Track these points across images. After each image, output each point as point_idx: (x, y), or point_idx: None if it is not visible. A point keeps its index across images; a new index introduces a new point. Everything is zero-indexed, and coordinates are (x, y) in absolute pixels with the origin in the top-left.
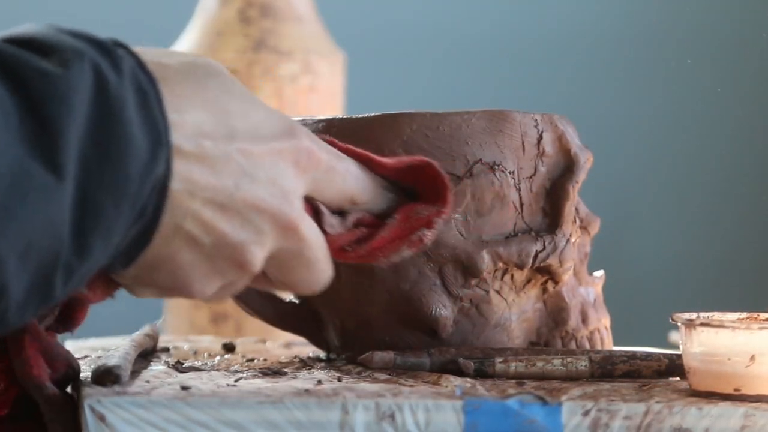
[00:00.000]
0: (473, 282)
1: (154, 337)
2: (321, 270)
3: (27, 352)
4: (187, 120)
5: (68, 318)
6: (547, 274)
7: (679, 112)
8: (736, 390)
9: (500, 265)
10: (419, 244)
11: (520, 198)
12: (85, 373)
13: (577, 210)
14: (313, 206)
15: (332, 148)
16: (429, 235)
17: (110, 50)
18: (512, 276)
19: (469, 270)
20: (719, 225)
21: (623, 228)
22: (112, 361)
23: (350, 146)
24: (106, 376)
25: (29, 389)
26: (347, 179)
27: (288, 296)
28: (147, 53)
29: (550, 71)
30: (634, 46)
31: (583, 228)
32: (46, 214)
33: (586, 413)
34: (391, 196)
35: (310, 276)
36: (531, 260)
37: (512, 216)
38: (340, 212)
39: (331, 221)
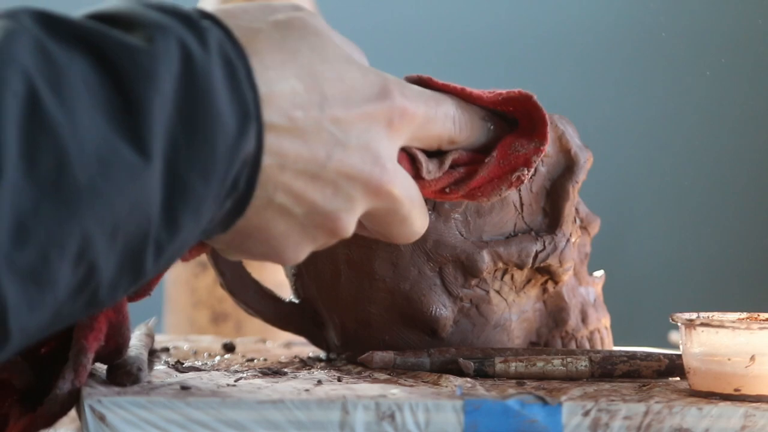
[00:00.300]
0: (473, 282)
1: (151, 336)
2: (417, 222)
3: (98, 317)
4: (277, 92)
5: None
6: (547, 274)
7: (678, 112)
8: (736, 390)
9: (500, 265)
10: (518, 183)
11: (520, 198)
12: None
13: (577, 210)
14: (409, 154)
15: (429, 94)
16: (528, 174)
17: (196, 23)
18: (512, 276)
19: (469, 270)
20: (719, 225)
21: (623, 228)
22: (128, 362)
23: (447, 83)
24: (125, 376)
25: (72, 346)
26: (446, 123)
27: (288, 296)
28: (238, 16)
29: (550, 71)
30: (634, 46)
31: (583, 228)
32: (134, 194)
33: (586, 413)
34: (489, 126)
35: (406, 229)
36: (531, 260)
37: (512, 216)
38: (438, 152)
39: (429, 167)
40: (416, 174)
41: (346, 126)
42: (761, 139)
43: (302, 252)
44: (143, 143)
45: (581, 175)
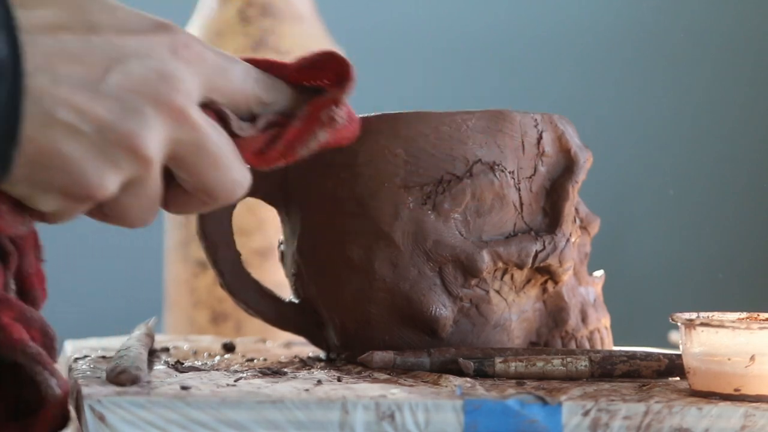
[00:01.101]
0: (473, 282)
1: (151, 336)
2: (235, 168)
3: (2, 320)
4: (37, 15)
5: (25, 290)
6: (547, 274)
7: (678, 112)
8: (736, 390)
9: (500, 265)
10: (331, 122)
11: (520, 198)
12: (90, 373)
13: (577, 210)
14: (216, 111)
15: (220, 51)
16: (339, 113)
17: None
18: (512, 276)
19: (469, 270)
20: (719, 225)
21: (623, 228)
22: (127, 362)
23: (250, 56)
24: (124, 377)
25: (13, 354)
26: (247, 80)
27: (288, 296)
28: None
29: (550, 71)
30: (634, 46)
31: (583, 228)
32: None
33: (586, 413)
34: (300, 97)
35: (223, 175)
36: (531, 260)
37: (512, 216)
38: (251, 118)
39: (240, 124)
40: (229, 132)
41: (124, 48)
42: (761, 139)
43: (108, 178)
44: None
45: (581, 175)
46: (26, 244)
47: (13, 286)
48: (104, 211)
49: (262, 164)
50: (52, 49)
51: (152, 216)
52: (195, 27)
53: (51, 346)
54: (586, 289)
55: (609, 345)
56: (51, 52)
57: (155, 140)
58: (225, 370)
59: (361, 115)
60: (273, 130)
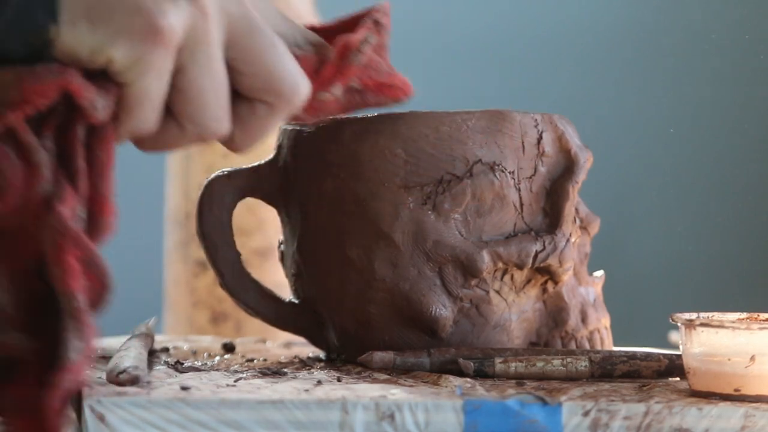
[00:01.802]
0: (473, 282)
1: (151, 336)
2: (290, 61)
3: (66, 259)
4: None
5: (95, 219)
6: (547, 274)
7: (678, 112)
8: (736, 390)
9: (500, 265)
10: (377, 26)
11: (520, 198)
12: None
13: (577, 210)
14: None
15: None
16: (383, 18)
17: None
18: (512, 276)
19: (469, 270)
20: (719, 225)
21: (623, 228)
22: (127, 362)
23: None
24: (124, 377)
25: (60, 296)
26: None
27: (288, 296)
28: None
29: (550, 71)
30: (633, 46)
31: (583, 228)
32: None
33: (586, 413)
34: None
35: (281, 64)
36: (531, 260)
37: (512, 216)
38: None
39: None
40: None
41: None
42: (761, 139)
43: (170, 13)
44: None
45: (581, 175)
46: (105, 163)
47: (81, 212)
48: (179, 91)
49: (319, 86)
50: None
51: (225, 112)
52: None
53: (103, 297)
54: (586, 289)
55: (609, 345)
56: None
57: None
58: (225, 371)
59: (361, 115)
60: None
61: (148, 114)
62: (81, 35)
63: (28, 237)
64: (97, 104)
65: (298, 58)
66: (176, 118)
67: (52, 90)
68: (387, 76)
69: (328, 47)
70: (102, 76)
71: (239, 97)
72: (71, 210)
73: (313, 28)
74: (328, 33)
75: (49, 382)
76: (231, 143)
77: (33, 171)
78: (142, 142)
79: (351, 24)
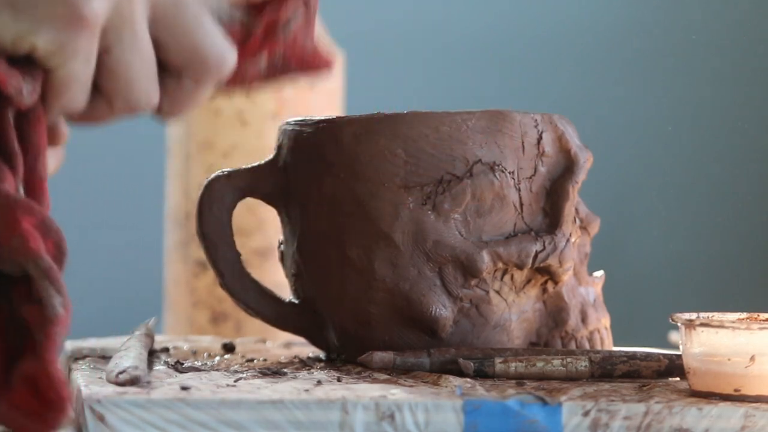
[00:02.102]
0: (473, 282)
1: (151, 337)
2: (216, 35)
3: (22, 226)
4: None
5: (35, 196)
6: (547, 274)
7: (678, 112)
8: (736, 390)
9: (500, 265)
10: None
11: (520, 198)
12: (90, 373)
13: (577, 210)
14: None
15: None
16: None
17: None
18: (512, 276)
19: (469, 270)
20: (719, 225)
21: (623, 228)
22: (127, 362)
23: None
24: (124, 377)
25: (24, 264)
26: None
27: (288, 296)
28: None
29: (550, 71)
30: (634, 46)
31: (583, 228)
32: None
33: (586, 413)
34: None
35: (208, 39)
36: (531, 260)
37: (512, 216)
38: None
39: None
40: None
41: None
42: (762, 139)
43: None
44: None
45: (581, 175)
46: (38, 144)
47: (21, 192)
48: (107, 70)
49: (243, 58)
50: None
51: (153, 87)
52: None
53: (61, 261)
54: (586, 289)
55: (609, 345)
56: None
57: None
58: (225, 371)
59: (361, 115)
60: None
61: (76, 95)
62: (3, 24)
63: None
64: (23, 90)
65: (225, 29)
66: (105, 95)
67: None
68: (312, 51)
69: (256, 20)
70: (26, 61)
71: (166, 69)
72: (13, 188)
73: (241, 0)
74: (257, 6)
75: (39, 343)
76: (159, 114)
77: None
78: (72, 118)
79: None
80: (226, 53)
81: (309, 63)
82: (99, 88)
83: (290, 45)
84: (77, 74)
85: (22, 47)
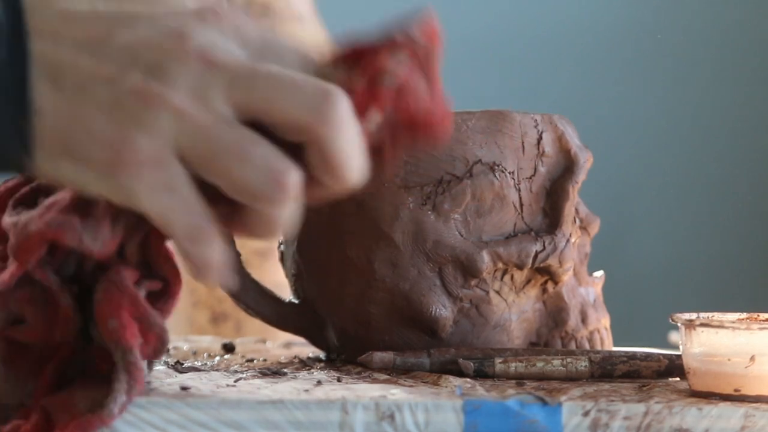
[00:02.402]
0: (473, 282)
1: None
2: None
3: (122, 316)
4: None
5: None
6: (547, 274)
7: (678, 113)
8: (736, 390)
9: (500, 265)
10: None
11: (520, 198)
12: None
13: (577, 210)
14: None
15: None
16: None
17: None
18: (512, 276)
19: (469, 270)
20: (719, 225)
21: (623, 228)
22: None
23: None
24: None
25: (114, 350)
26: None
27: (288, 296)
28: None
29: (550, 71)
30: (633, 45)
31: (583, 228)
32: None
33: (586, 413)
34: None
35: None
36: (531, 260)
37: (512, 216)
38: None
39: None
40: None
41: (131, 12)
42: (761, 139)
43: (138, 138)
44: None
45: (581, 175)
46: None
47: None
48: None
49: (357, 116)
50: (53, 14)
51: (204, 222)
52: None
53: (159, 352)
54: (586, 290)
55: (609, 345)
56: (51, 16)
57: (181, 89)
58: (225, 371)
59: None
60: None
61: (176, 222)
62: (66, 170)
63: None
64: (84, 239)
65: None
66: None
67: (38, 244)
68: (426, 107)
69: (356, 73)
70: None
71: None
72: (132, 281)
73: (333, 55)
74: (354, 59)
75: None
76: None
77: (56, 311)
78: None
79: (384, 43)
80: (270, 181)
81: (420, 120)
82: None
83: (399, 98)
84: (165, 207)
85: (90, 193)
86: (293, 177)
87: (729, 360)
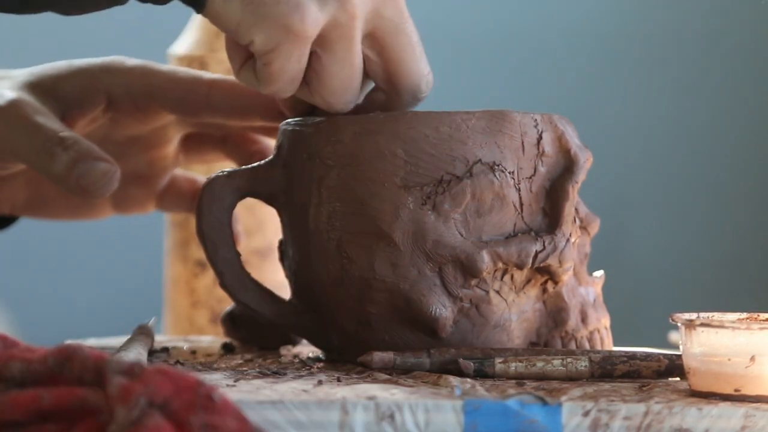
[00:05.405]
0: (473, 282)
1: (151, 336)
2: (423, 60)
3: None
4: None
5: None
6: (547, 274)
7: (679, 112)
8: (736, 390)
9: (500, 265)
10: None
11: (520, 198)
12: None
13: (577, 210)
14: None
15: None
16: None
17: None
18: (512, 276)
19: (468, 270)
20: (719, 225)
21: (623, 228)
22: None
23: None
24: None
25: None
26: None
27: (288, 296)
28: None
29: (550, 71)
30: (634, 46)
31: (583, 228)
32: None
33: (586, 413)
34: None
35: (416, 64)
36: (531, 260)
37: (512, 216)
38: None
39: None
40: None
41: None
42: (762, 140)
43: (319, 11)
44: None
45: (581, 175)
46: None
47: None
48: (315, 72)
49: None
50: None
51: (352, 96)
52: (195, 27)
53: None
54: (586, 290)
55: (609, 345)
56: None
57: None
58: (225, 371)
59: (361, 115)
60: None
61: (285, 86)
62: (233, 9)
63: None
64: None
65: None
66: (310, 90)
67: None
68: None
69: None
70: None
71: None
72: None
73: None
74: None
75: None
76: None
77: None
78: (281, 103)
79: None
80: (421, 82)
81: None
82: (306, 80)
83: None
84: (287, 70)
85: (243, 38)
86: (427, 89)
87: (729, 360)
